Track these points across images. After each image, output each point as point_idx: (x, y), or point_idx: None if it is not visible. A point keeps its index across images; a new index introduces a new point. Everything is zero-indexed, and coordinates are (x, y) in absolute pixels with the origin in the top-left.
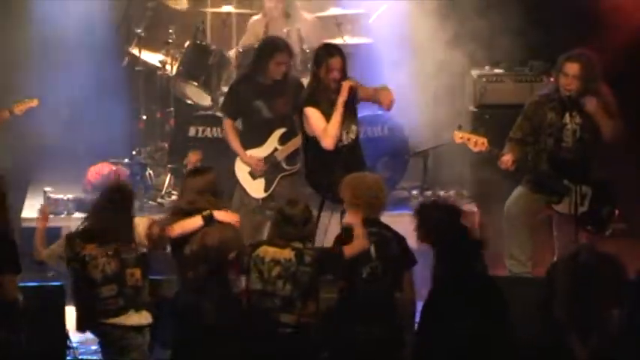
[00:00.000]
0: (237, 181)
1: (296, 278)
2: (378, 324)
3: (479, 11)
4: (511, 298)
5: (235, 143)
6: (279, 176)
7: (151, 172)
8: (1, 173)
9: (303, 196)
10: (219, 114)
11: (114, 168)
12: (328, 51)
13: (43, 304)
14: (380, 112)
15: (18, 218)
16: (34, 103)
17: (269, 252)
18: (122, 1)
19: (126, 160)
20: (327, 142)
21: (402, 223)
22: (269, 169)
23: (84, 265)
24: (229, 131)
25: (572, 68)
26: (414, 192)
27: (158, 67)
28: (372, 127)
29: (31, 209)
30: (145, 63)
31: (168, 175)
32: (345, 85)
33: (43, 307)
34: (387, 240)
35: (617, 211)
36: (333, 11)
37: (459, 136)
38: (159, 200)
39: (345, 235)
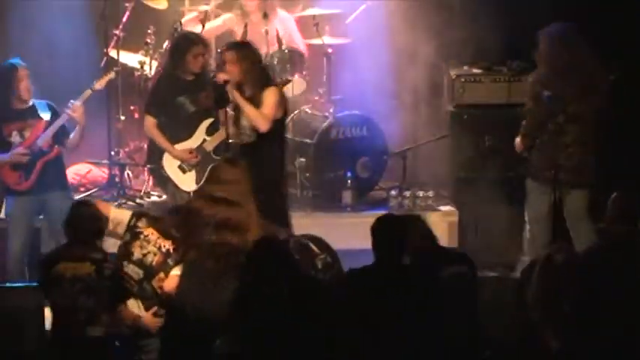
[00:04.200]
0: (167, 178)
1: (97, 292)
2: None
3: (458, 11)
4: (487, 297)
5: (161, 139)
6: (210, 167)
7: (129, 172)
8: None
9: None
10: None
11: (92, 168)
12: None
13: (22, 304)
14: (358, 113)
15: None
16: (112, 75)
17: (68, 269)
18: (100, 2)
19: (104, 161)
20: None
21: None
22: (199, 160)
23: (133, 237)
24: (152, 129)
25: None
26: (393, 192)
27: (136, 68)
28: (351, 127)
29: None
30: (123, 64)
31: (147, 176)
32: None
33: (22, 308)
34: None
35: None
36: (311, 11)
37: None
38: (138, 201)
39: None
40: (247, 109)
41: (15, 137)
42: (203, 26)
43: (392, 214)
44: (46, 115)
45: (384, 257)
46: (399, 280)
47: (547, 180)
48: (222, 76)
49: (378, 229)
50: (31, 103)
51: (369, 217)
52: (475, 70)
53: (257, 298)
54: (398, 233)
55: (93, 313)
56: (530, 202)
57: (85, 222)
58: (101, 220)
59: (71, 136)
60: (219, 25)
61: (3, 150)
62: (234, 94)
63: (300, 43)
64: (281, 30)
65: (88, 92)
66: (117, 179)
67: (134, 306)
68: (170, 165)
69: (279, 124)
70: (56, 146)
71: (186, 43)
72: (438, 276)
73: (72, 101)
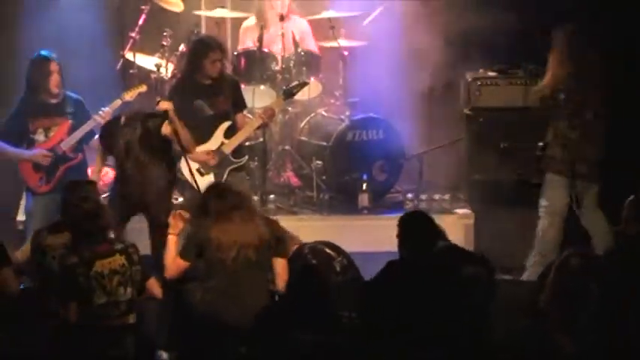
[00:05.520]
0: (184, 182)
1: (133, 280)
2: None
3: (473, 13)
4: (503, 300)
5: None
6: (228, 169)
7: None
8: None
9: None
10: None
11: (108, 171)
12: None
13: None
14: (374, 115)
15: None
16: (144, 88)
17: (105, 265)
18: (116, 5)
19: None
20: None
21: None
22: (217, 163)
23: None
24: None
25: None
26: (409, 195)
27: (152, 71)
28: (367, 130)
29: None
30: (139, 66)
31: None
32: None
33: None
34: None
35: None
36: (327, 14)
37: None
38: None
39: None
40: (185, 135)
41: (39, 135)
42: (262, 32)
43: (420, 210)
44: (72, 113)
45: (413, 251)
46: (427, 275)
47: (570, 173)
48: (163, 105)
49: (408, 223)
50: (61, 97)
51: (386, 220)
52: (491, 73)
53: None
54: (429, 227)
55: (131, 302)
56: (547, 195)
57: (100, 217)
58: (104, 209)
59: (96, 137)
60: (244, 38)
61: (26, 145)
62: (175, 121)
63: (313, 48)
64: (296, 33)
65: (118, 102)
66: None
67: None
68: (187, 168)
69: None
70: (80, 154)
71: (203, 49)
72: (460, 274)
73: (102, 108)
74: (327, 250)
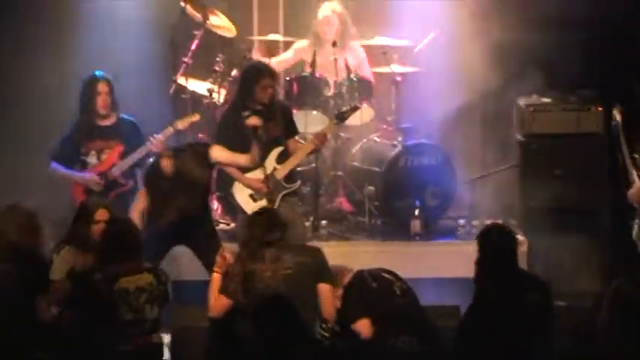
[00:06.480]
0: (238, 207)
1: (159, 299)
2: None
3: (525, 40)
4: (557, 327)
5: (232, 168)
6: (281, 195)
7: None
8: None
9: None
10: None
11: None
12: None
13: None
14: (427, 141)
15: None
16: (196, 117)
17: (130, 282)
18: (169, 29)
19: None
20: None
21: (449, 252)
22: (270, 188)
23: None
24: (223, 158)
25: None
26: (461, 221)
27: (205, 96)
28: (419, 155)
29: None
30: (191, 91)
31: (216, 204)
32: None
33: None
34: None
35: None
36: (379, 40)
37: None
38: None
39: None
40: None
41: (92, 158)
42: (315, 56)
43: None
44: (125, 137)
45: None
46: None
47: None
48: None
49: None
50: (115, 119)
51: (438, 246)
52: (544, 100)
53: None
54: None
55: (156, 321)
56: None
57: (129, 238)
58: (139, 233)
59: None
60: (290, 57)
61: (79, 167)
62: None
63: (369, 74)
64: (351, 59)
65: (170, 129)
66: None
67: None
68: (241, 193)
69: None
70: (130, 180)
71: (255, 75)
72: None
73: (155, 135)
74: (385, 275)
